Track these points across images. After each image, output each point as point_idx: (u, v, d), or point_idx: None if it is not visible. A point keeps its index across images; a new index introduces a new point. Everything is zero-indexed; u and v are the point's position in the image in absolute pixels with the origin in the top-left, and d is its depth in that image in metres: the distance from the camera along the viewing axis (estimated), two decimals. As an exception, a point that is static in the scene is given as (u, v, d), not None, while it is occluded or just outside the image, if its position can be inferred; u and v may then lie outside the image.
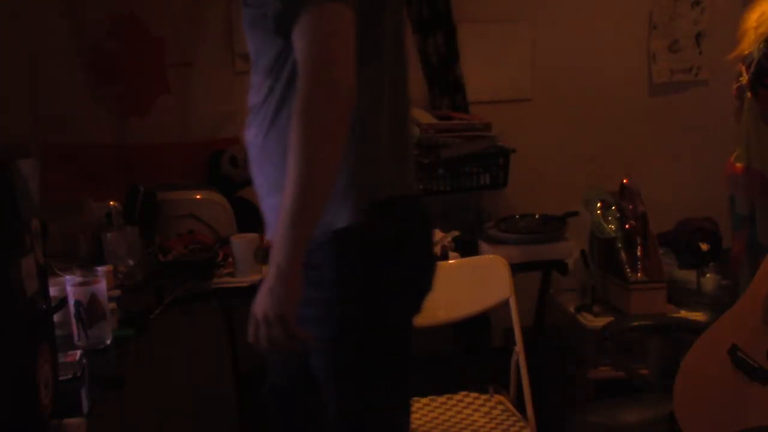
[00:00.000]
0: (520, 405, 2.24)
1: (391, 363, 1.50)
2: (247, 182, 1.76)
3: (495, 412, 2.26)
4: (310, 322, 1.39)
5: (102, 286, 1.78)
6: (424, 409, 2.31)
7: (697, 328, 1.98)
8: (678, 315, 2.57)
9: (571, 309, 2.74)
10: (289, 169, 1.27)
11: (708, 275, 2.74)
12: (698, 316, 2.57)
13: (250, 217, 2.50)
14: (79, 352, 1.61)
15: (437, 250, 2.58)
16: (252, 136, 1.48)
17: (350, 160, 1.36)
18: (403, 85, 1.53)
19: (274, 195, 1.40)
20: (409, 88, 1.55)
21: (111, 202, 2.48)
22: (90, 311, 1.74)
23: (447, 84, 3.14)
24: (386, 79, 1.45)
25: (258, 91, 1.46)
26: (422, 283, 1.57)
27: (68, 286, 1.78)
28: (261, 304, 1.31)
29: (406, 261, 1.48)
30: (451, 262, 2.50)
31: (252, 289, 1.45)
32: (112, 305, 1.86)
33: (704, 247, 2.76)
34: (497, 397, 2.33)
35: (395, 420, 1.57)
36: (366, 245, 1.41)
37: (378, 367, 1.48)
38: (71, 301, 1.74)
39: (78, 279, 1.80)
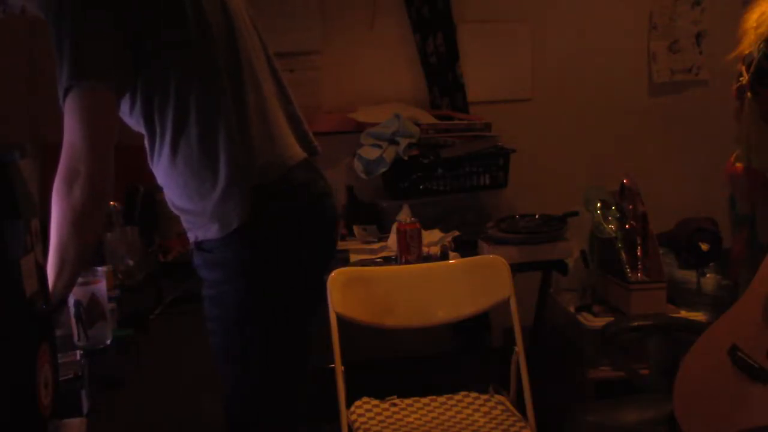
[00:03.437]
0: (520, 405, 2.24)
1: (281, 342, 1.60)
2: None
3: (495, 412, 2.26)
4: (207, 301, 1.61)
5: (102, 286, 1.78)
6: (424, 409, 2.31)
7: (697, 328, 1.98)
8: (678, 315, 2.57)
9: (571, 309, 2.74)
10: (52, 243, 1.49)
11: (708, 275, 2.74)
12: (698, 316, 2.57)
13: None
14: (79, 352, 1.61)
15: (436, 249, 2.59)
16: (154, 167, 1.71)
17: (228, 176, 1.53)
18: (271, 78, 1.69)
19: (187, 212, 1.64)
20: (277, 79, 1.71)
21: (111, 202, 2.47)
22: (90, 311, 1.74)
23: (447, 84, 3.14)
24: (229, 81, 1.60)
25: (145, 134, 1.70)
26: (317, 258, 1.69)
27: (68, 286, 1.78)
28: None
29: (297, 241, 1.59)
30: (451, 262, 2.50)
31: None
32: (112, 305, 1.86)
33: (704, 247, 2.75)
34: (497, 397, 2.33)
35: (287, 397, 1.64)
36: (254, 233, 1.54)
37: (266, 347, 1.59)
38: (71, 301, 1.74)
39: (78, 279, 1.79)
